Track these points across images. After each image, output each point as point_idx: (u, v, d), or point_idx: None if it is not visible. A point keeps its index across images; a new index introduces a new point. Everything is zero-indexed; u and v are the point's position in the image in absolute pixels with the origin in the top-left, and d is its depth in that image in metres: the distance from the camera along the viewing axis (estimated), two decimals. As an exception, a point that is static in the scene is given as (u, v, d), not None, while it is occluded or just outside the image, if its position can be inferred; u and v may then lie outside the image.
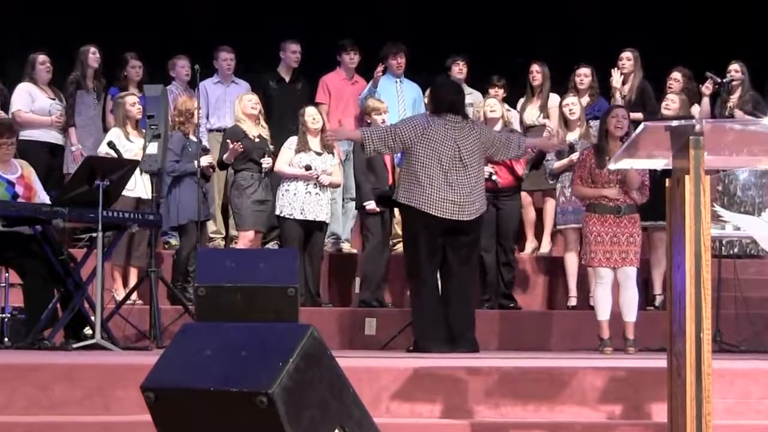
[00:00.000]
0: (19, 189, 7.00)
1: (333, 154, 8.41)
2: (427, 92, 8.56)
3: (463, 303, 7.14)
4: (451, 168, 7.02)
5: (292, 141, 8.35)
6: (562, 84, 9.32)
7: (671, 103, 8.51)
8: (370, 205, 8.25)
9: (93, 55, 9.02)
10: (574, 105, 8.56)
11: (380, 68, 9.18)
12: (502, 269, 8.40)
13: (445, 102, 7.25)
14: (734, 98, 8.93)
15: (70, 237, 8.56)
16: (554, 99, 9.27)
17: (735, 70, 8.97)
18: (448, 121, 7.14)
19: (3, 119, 8.21)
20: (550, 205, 8.95)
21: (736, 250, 8.55)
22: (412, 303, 7.39)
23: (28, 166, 7.21)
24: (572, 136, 8.43)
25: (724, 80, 8.67)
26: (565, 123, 8.53)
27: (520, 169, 8.37)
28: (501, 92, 9.17)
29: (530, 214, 9.14)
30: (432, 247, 7.11)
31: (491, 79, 9.29)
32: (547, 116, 9.23)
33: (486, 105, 8.48)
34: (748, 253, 8.59)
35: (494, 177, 8.27)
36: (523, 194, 8.86)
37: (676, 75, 9.01)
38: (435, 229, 7.06)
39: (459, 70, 9.49)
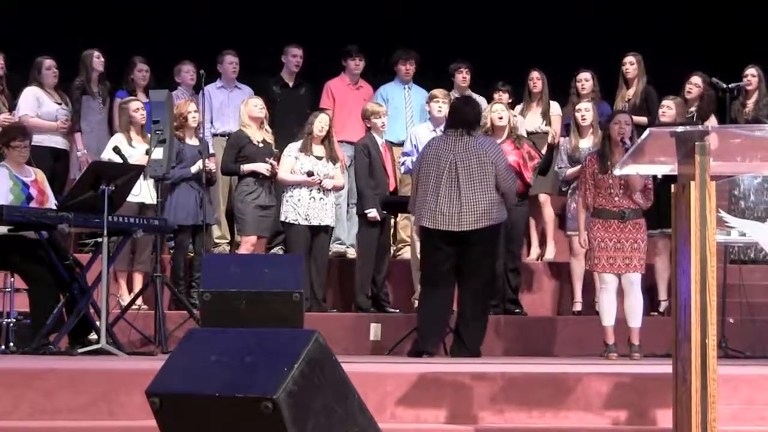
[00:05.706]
0: (33, 192, 7.06)
1: (334, 162, 8.40)
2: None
3: (473, 317, 7.18)
4: (444, 181, 7.10)
5: (291, 148, 8.34)
6: (564, 90, 9.30)
7: (667, 110, 8.28)
8: (372, 213, 8.24)
9: (97, 59, 8.98)
10: (587, 111, 8.31)
11: None
12: (510, 275, 8.38)
13: (451, 118, 7.44)
14: (750, 103, 8.78)
15: (76, 242, 8.56)
16: (554, 106, 9.26)
17: (752, 74, 8.78)
18: (449, 136, 7.26)
19: (15, 123, 8.21)
20: (550, 211, 8.95)
21: (752, 255, 8.50)
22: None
23: (41, 172, 7.29)
24: (585, 143, 8.29)
25: (730, 86, 8.56)
26: (578, 129, 8.38)
27: (528, 175, 8.34)
28: (506, 97, 9.13)
29: (546, 216, 9.10)
30: (434, 257, 7.19)
31: (496, 84, 9.25)
32: (548, 123, 9.21)
33: (493, 111, 8.27)
34: (762, 259, 8.53)
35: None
36: (542, 197, 8.87)
37: (696, 80, 8.77)
38: (434, 239, 7.14)
39: (462, 78, 9.43)
